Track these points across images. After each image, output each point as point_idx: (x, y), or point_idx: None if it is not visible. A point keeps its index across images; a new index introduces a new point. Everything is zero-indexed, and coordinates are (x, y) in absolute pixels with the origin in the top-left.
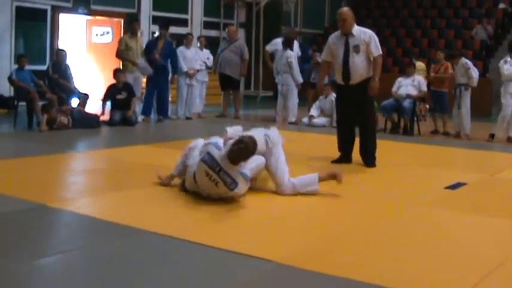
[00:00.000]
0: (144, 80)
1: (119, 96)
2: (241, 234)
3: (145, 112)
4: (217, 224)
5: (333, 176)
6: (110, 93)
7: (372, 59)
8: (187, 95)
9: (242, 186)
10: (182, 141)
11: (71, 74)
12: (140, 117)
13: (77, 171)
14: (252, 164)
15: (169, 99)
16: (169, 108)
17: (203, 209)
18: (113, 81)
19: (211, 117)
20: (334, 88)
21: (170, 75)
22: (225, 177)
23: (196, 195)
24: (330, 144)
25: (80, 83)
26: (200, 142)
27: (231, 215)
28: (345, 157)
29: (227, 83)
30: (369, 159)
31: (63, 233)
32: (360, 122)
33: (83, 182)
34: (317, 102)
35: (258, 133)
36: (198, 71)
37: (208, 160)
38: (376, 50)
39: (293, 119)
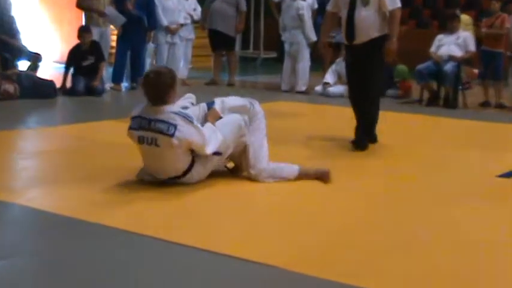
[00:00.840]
0: (114, 37)
1: (85, 62)
2: (229, 234)
3: (116, 78)
4: (187, 219)
5: (319, 176)
6: (73, 58)
7: (387, 13)
8: (168, 57)
9: (188, 130)
10: None
11: (17, 28)
12: (108, 85)
13: (27, 154)
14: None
15: (147, 61)
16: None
17: (174, 200)
18: (76, 41)
19: (198, 84)
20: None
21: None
22: (157, 125)
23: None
24: (348, 120)
25: (29, 40)
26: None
27: (205, 210)
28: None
29: (219, 42)
30: (358, 136)
31: (10, 233)
32: (362, 90)
33: (34, 168)
34: (333, 66)
35: (237, 98)
36: (181, 25)
37: (134, 123)
38: (392, 1)
39: (303, 87)
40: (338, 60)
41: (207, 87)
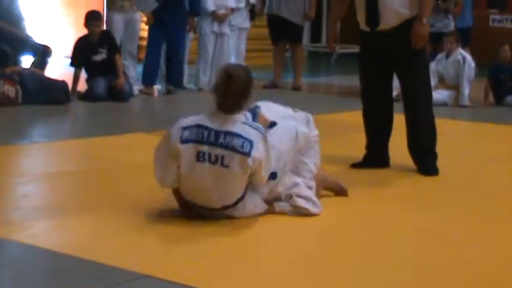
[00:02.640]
0: (145, 26)
1: (96, 57)
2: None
3: (147, 79)
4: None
5: (336, 189)
6: (81, 53)
7: None
8: (215, 51)
9: (263, 150)
10: None
11: (20, 14)
12: (137, 88)
13: (29, 177)
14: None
15: (186, 57)
16: (185, 73)
17: (211, 241)
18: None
19: (255, 87)
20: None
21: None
22: (228, 140)
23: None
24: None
25: (36, 29)
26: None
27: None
28: (374, 156)
29: (282, 32)
30: (424, 160)
31: (6, 279)
32: (405, 95)
33: (38, 195)
34: (432, 65)
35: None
36: (232, 10)
37: (190, 134)
38: None
39: (394, 92)
40: (439, 56)
41: (265, 91)
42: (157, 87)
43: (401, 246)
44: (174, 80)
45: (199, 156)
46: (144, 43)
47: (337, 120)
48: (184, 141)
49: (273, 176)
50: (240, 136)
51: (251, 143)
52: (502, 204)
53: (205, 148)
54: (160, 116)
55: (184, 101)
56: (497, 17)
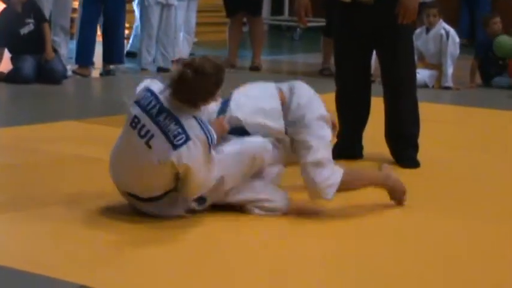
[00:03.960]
0: None
1: (23, 30)
2: None
3: (81, 58)
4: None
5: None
6: (5, 27)
7: None
8: (160, 26)
9: (198, 157)
10: None
11: None
12: (70, 68)
13: None
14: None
15: (125, 32)
16: (124, 50)
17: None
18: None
19: None
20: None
21: None
22: (167, 122)
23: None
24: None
25: None
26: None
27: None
28: (346, 145)
29: (238, 3)
30: (404, 151)
31: None
32: (387, 76)
33: None
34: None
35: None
36: None
37: (144, 98)
38: None
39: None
40: (418, 31)
41: None
42: (92, 67)
43: (392, 247)
44: (112, 58)
45: (134, 121)
46: (76, 16)
47: None
48: (137, 102)
49: (201, 200)
50: (181, 126)
51: (187, 139)
52: (486, 198)
53: (144, 117)
54: (97, 100)
55: (125, 82)
56: None
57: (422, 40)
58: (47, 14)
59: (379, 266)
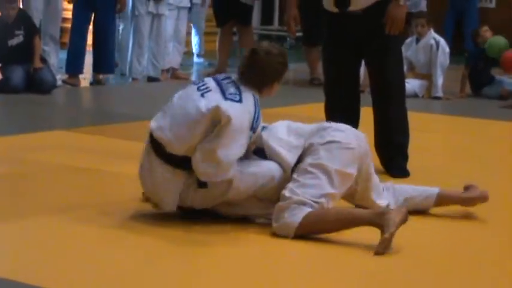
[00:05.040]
0: (68, 4)
1: (12, 41)
2: None
3: (71, 67)
4: None
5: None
6: None
7: None
8: (151, 35)
9: (243, 116)
10: (139, 124)
11: None
12: (61, 77)
13: None
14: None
15: (116, 42)
16: (115, 60)
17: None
18: None
19: (197, 77)
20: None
21: None
22: (228, 85)
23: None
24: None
25: None
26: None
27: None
28: None
29: (228, 12)
30: (394, 160)
31: None
32: (376, 86)
33: None
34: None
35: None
36: None
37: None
38: None
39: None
40: (408, 40)
41: None
42: (83, 76)
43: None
44: (102, 67)
45: (198, 81)
46: (68, 25)
47: (293, 115)
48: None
49: (202, 184)
50: (239, 92)
51: (240, 101)
52: (477, 207)
53: (209, 80)
54: (87, 110)
55: (116, 92)
56: None
57: (412, 50)
58: (37, 23)
59: (381, 280)
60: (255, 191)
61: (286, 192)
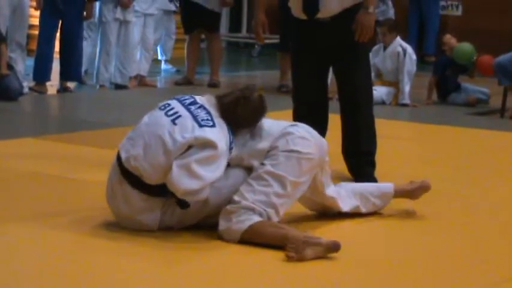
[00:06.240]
0: (35, 11)
1: None
2: None
3: (39, 74)
4: None
5: (410, 192)
6: None
7: None
8: (118, 42)
9: (217, 136)
10: (107, 132)
11: None
12: (27, 84)
13: None
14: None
15: (84, 49)
16: (83, 67)
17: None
18: None
19: (165, 84)
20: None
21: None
22: (198, 111)
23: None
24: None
25: None
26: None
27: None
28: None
29: (196, 20)
30: (362, 168)
31: None
32: (344, 93)
33: None
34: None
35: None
36: None
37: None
38: None
39: None
40: (376, 47)
41: (178, 89)
42: (50, 84)
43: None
44: (70, 75)
45: (163, 106)
46: (35, 32)
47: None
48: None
49: (183, 205)
50: (211, 117)
51: (213, 126)
52: (446, 214)
53: (174, 103)
54: (54, 117)
55: (83, 100)
56: None
57: (379, 57)
58: (3, 30)
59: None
60: (225, 199)
61: (235, 196)
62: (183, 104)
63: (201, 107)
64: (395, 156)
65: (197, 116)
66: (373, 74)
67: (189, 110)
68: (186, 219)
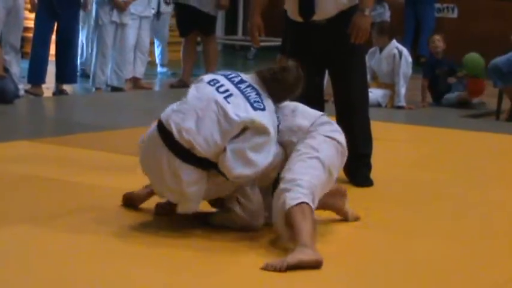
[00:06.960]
0: (30, 13)
1: None
2: None
3: (34, 77)
4: None
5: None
6: None
7: None
8: (114, 45)
9: (269, 121)
10: (104, 134)
11: None
12: (23, 87)
13: None
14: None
15: (80, 51)
16: (78, 69)
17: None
18: None
19: (161, 86)
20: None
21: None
22: (248, 90)
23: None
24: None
25: None
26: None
27: None
28: None
29: (191, 22)
30: (358, 169)
31: None
32: (340, 96)
33: None
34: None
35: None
36: None
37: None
38: None
39: None
40: (372, 50)
41: (173, 92)
42: (46, 86)
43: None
44: (65, 77)
45: (212, 81)
46: (30, 35)
47: None
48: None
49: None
50: (261, 99)
51: (264, 109)
52: (441, 217)
53: (222, 79)
54: (50, 120)
55: (79, 102)
56: None
57: (375, 59)
58: None
59: None
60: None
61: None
62: (232, 82)
63: (250, 86)
64: (391, 159)
65: (249, 96)
66: (368, 76)
67: (239, 89)
68: (223, 190)
